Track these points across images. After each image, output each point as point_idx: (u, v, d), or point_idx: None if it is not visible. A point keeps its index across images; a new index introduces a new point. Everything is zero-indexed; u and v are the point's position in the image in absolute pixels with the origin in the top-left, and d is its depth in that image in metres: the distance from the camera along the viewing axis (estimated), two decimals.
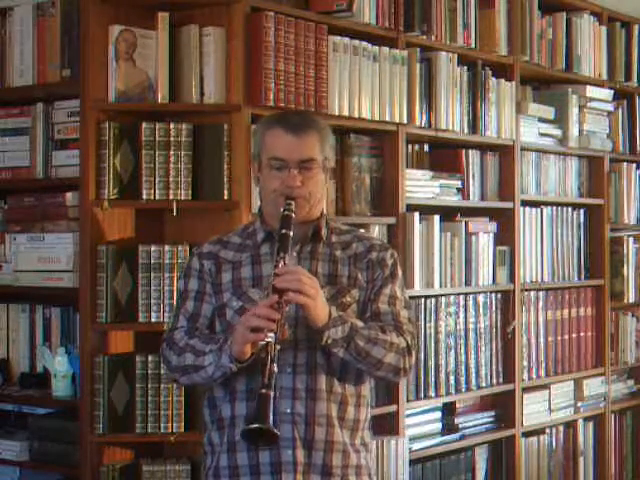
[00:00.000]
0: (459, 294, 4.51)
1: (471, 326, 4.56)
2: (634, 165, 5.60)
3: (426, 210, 4.34)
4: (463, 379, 4.52)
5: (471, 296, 4.56)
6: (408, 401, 4.24)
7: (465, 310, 4.52)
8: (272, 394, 2.46)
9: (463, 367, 4.51)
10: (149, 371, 3.65)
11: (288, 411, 2.61)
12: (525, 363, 4.85)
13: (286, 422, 2.61)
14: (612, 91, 5.38)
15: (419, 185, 4.34)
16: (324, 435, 2.63)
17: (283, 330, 2.53)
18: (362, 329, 2.62)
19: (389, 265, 2.75)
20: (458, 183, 4.53)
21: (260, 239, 2.74)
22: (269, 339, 2.49)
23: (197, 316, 2.74)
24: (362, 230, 3.17)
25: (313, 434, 2.62)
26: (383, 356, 2.62)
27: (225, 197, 3.67)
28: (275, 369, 2.47)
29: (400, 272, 2.79)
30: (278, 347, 2.50)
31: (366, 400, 2.75)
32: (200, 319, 2.74)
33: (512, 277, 4.77)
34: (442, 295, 4.40)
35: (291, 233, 2.61)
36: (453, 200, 4.51)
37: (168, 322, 2.85)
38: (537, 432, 4.95)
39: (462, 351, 4.51)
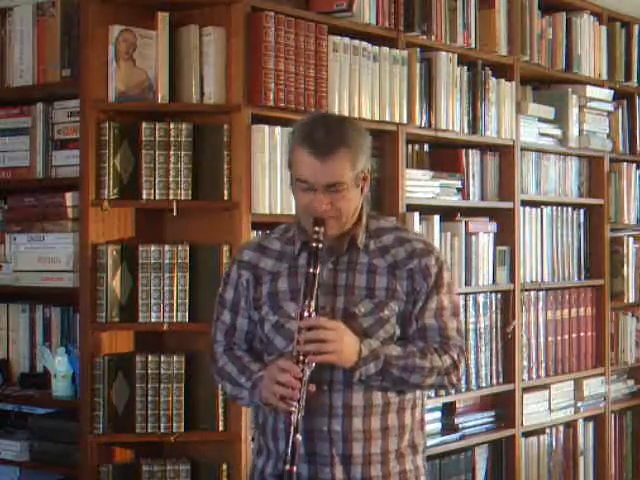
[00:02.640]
0: (459, 294, 4.49)
1: (471, 326, 4.56)
2: (634, 165, 5.60)
3: (426, 210, 4.34)
4: (463, 379, 4.51)
5: (471, 296, 4.56)
6: None
7: (465, 310, 4.51)
8: (296, 469, 2.48)
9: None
10: (149, 371, 3.65)
11: (325, 429, 2.57)
12: (525, 363, 4.85)
13: (323, 440, 2.57)
14: (612, 91, 5.38)
15: (419, 185, 4.33)
16: (361, 449, 2.58)
17: (308, 389, 2.51)
18: (397, 359, 2.55)
19: (433, 274, 2.62)
20: (458, 183, 4.53)
21: (297, 250, 2.66)
22: (292, 408, 2.49)
23: (233, 330, 2.72)
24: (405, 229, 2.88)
25: (351, 450, 2.58)
26: (422, 382, 2.59)
27: (225, 197, 3.67)
28: (299, 437, 2.48)
29: (446, 277, 2.65)
30: (302, 414, 2.49)
31: (411, 403, 2.66)
32: (237, 333, 2.72)
33: (512, 277, 4.77)
34: None
35: (317, 270, 2.54)
36: (453, 200, 4.50)
37: (212, 328, 2.80)
38: (537, 432, 4.94)
39: None
